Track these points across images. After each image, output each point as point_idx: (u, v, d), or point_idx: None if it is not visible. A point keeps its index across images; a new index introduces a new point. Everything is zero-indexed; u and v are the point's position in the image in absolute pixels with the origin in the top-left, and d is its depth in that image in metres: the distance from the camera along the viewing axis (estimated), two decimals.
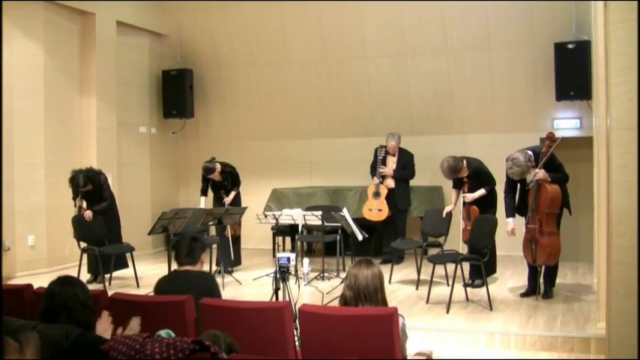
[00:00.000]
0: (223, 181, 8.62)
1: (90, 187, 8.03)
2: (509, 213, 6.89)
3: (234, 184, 8.67)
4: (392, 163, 9.01)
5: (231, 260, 8.44)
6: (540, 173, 6.43)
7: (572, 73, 8.82)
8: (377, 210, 8.86)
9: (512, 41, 9.53)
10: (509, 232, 6.88)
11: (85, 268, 7.99)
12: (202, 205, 8.68)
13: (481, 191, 7.27)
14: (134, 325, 3.23)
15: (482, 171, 7.35)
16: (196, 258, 4.27)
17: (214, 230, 8.87)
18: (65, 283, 3.14)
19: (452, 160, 7.19)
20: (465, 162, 7.27)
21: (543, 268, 6.77)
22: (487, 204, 7.27)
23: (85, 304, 3.08)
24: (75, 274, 6.63)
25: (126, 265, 8.24)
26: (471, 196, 7.28)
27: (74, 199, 8.13)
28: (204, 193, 8.78)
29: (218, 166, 8.51)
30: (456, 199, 7.64)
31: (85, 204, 8.12)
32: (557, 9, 9.10)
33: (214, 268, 8.43)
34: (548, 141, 6.52)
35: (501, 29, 9.52)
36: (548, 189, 6.42)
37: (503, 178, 7.08)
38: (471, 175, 7.32)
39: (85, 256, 7.98)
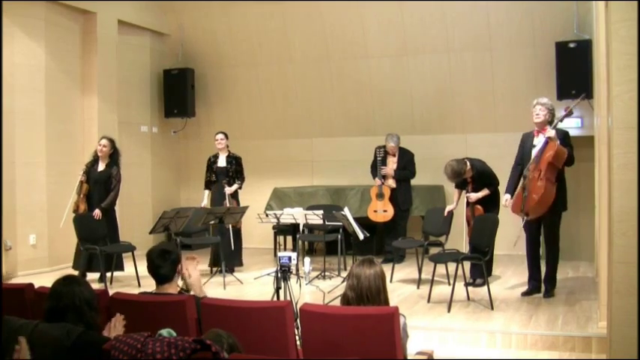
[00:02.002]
0: (227, 166, 8.64)
1: (108, 149, 8.06)
2: (509, 189, 6.92)
3: (238, 173, 8.68)
4: (392, 163, 9.01)
5: (232, 257, 8.43)
6: (552, 131, 6.44)
7: (574, 73, 8.81)
8: (382, 211, 8.85)
9: (513, 40, 9.52)
10: (505, 204, 6.94)
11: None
12: (205, 199, 8.72)
13: (484, 191, 7.26)
14: (118, 325, 3.24)
15: (485, 172, 7.33)
16: (171, 275, 3.79)
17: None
18: (71, 282, 3.14)
19: (455, 164, 7.14)
20: (468, 164, 7.25)
21: (544, 270, 6.77)
22: (490, 203, 7.26)
23: (91, 303, 3.09)
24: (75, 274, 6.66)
25: (121, 268, 8.25)
26: (474, 196, 7.26)
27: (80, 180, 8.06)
28: (208, 186, 8.79)
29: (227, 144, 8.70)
30: (458, 198, 7.63)
31: (84, 187, 8.01)
32: (559, 8, 9.10)
33: (214, 268, 8.44)
34: (565, 111, 6.62)
35: (502, 28, 9.52)
36: (556, 145, 6.39)
37: (506, 177, 7.11)
38: (475, 176, 7.31)
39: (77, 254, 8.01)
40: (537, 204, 6.41)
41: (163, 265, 3.74)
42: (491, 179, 7.32)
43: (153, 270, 3.78)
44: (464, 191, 7.50)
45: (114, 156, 8.13)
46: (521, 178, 6.71)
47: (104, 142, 8.09)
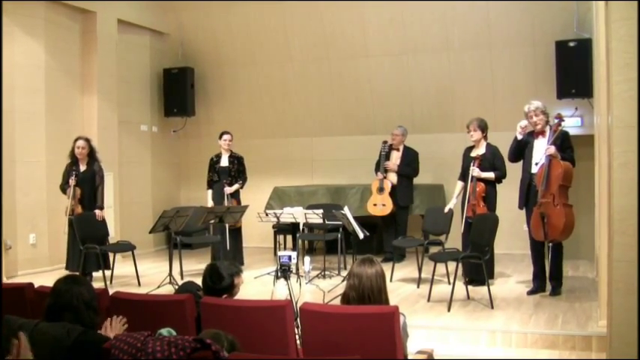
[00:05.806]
0: (230, 166, 8.67)
1: (87, 150, 7.95)
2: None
3: (240, 173, 8.72)
4: (395, 158, 9.03)
5: (232, 256, 8.44)
6: (552, 149, 6.44)
7: (574, 71, 8.82)
8: (381, 205, 8.86)
9: (513, 39, 9.52)
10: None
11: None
12: (210, 198, 8.73)
13: (490, 174, 7.25)
14: (118, 325, 3.24)
15: (498, 155, 7.37)
16: (231, 288, 3.90)
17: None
18: (72, 281, 3.14)
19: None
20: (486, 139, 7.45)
21: (548, 268, 6.76)
22: (489, 195, 7.25)
23: (89, 303, 3.08)
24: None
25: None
26: (478, 172, 7.23)
27: (65, 180, 7.93)
28: (210, 185, 8.81)
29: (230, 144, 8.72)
30: (460, 191, 7.58)
31: (78, 192, 7.91)
32: (559, 7, 9.09)
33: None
34: (558, 120, 6.59)
35: (502, 27, 9.52)
36: (561, 163, 6.41)
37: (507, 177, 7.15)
38: (487, 155, 7.33)
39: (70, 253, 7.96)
40: (563, 232, 6.43)
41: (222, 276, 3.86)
42: (502, 166, 7.32)
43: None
44: (471, 165, 7.40)
45: (92, 154, 8.11)
46: (536, 205, 6.58)
47: (82, 143, 8.00)
